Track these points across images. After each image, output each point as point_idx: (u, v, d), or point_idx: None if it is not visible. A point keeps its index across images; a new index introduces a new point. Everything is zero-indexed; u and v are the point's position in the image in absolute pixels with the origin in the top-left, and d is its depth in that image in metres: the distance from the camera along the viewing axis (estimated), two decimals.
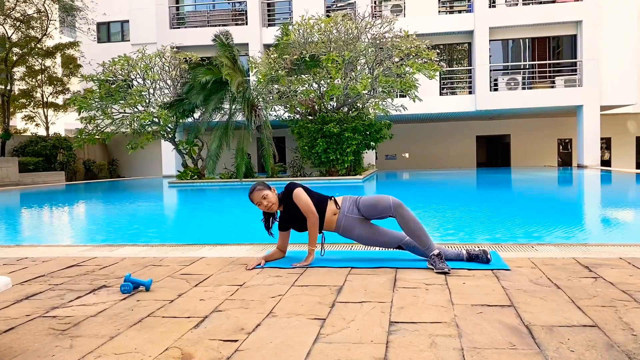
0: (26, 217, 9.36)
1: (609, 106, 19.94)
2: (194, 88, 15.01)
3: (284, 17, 21.79)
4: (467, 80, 21.06)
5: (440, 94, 20.50)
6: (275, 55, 14.78)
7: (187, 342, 2.09)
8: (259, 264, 3.47)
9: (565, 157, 23.80)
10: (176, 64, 17.17)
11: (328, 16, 17.52)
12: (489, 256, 3.31)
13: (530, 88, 20.13)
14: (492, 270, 3.17)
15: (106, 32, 26.28)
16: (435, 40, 19.03)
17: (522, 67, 20.90)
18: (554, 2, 19.70)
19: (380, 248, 3.79)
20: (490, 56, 20.17)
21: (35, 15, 20.42)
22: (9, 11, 19.47)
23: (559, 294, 2.61)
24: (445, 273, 3.12)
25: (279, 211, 3.65)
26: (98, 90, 16.21)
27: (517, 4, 20.49)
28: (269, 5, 22.01)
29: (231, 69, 14.34)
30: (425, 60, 14.61)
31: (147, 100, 16.76)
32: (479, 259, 3.33)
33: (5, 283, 2.07)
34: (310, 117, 15.91)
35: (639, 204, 9.15)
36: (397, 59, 14.94)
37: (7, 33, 20.16)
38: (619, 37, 19.28)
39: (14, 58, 20.67)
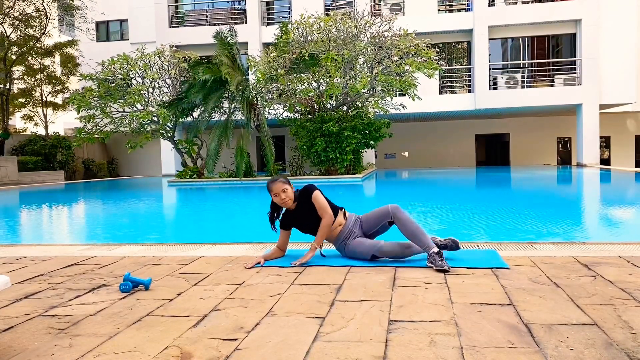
0: (25, 216, 9.35)
1: (608, 105, 19.95)
2: (193, 87, 14.99)
3: (283, 16, 21.78)
4: (467, 79, 21.05)
5: (440, 92, 20.49)
6: (274, 54, 14.77)
7: (187, 341, 2.08)
8: (259, 263, 3.48)
9: (565, 155, 23.80)
10: (175, 63, 17.15)
11: (327, 15, 17.50)
12: (458, 244, 3.49)
13: (530, 87, 20.12)
14: (491, 268, 3.17)
15: (105, 31, 26.25)
16: (434, 39, 19.03)
17: (521, 66, 20.89)
18: (553, 0, 19.68)
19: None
20: (489, 55, 20.16)
21: (34, 14, 20.39)
22: (7, 10, 19.44)
23: (558, 293, 2.61)
24: (444, 271, 3.13)
25: (284, 209, 3.68)
26: (97, 89, 16.19)
27: (516, 3, 20.47)
28: (268, 4, 21.98)
29: (230, 67, 14.33)
30: (425, 59, 14.60)
31: (146, 99, 16.74)
32: (447, 248, 3.49)
33: (5, 282, 2.07)
34: (309, 116, 15.90)
35: (638, 202, 9.16)
36: (396, 58, 14.93)
37: (6, 32, 20.13)
38: (619, 35, 19.27)
39: (13, 57, 20.63)
